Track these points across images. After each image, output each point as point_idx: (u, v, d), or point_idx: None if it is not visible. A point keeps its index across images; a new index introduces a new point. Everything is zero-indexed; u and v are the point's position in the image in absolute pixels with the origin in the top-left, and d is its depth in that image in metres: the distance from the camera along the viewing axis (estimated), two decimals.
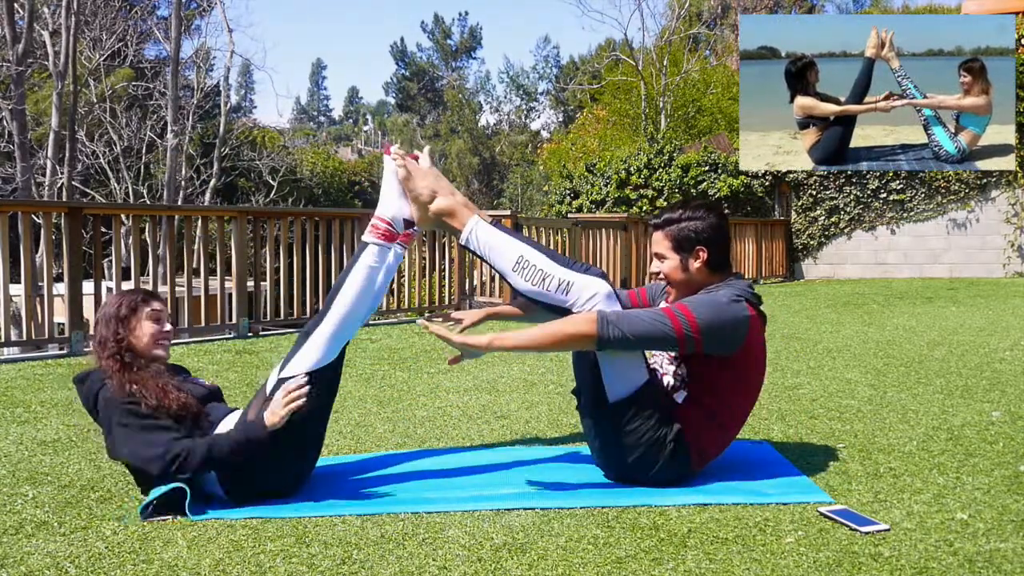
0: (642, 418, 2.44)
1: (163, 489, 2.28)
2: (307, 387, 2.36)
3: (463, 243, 2.60)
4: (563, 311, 2.46)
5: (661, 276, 2.60)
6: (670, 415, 2.47)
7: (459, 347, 2.41)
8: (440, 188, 2.62)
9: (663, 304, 2.72)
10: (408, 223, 2.61)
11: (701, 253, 2.54)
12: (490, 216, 2.68)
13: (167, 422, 2.31)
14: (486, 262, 2.60)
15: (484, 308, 2.98)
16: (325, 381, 2.47)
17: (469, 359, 2.48)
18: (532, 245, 2.56)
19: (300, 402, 2.33)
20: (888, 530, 2.12)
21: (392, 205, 2.60)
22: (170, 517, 2.25)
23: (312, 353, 2.43)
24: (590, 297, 2.44)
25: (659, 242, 2.59)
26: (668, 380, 2.59)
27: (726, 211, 13.20)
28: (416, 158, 2.72)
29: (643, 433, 2.44)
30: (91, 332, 2.46)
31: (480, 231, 2.57)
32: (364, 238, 2.57)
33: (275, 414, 2.32)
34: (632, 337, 2.36)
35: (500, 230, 2.58)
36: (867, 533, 2.10)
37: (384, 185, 2.64)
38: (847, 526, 2.14)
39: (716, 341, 2.40)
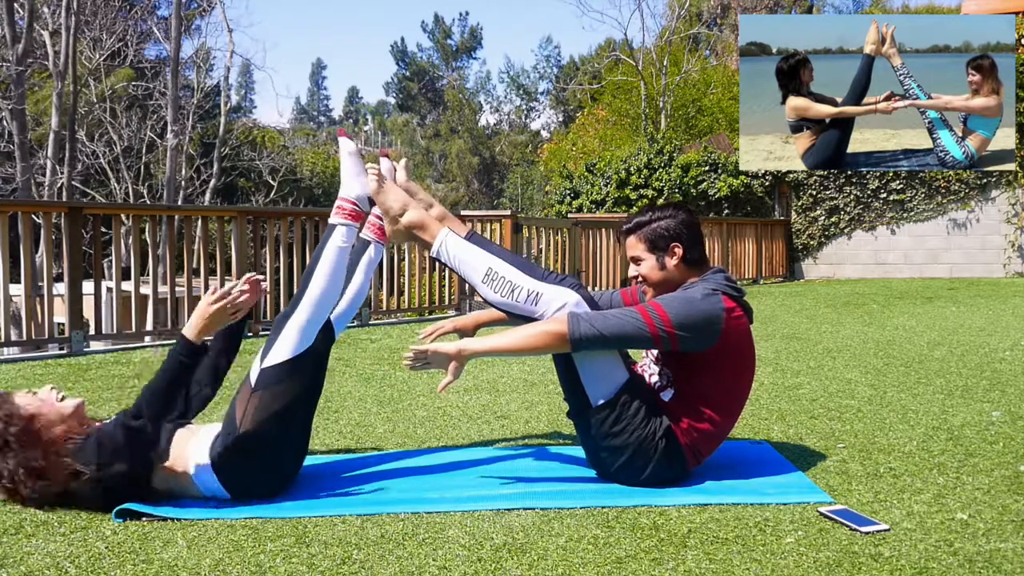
0: (627, 418, 2.44)
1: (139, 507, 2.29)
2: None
3: (434, 255, 2.62)
4: (534, 322, 2.49)
5: (640, 279, 2.62)
6: (657, 413, 2.47)
7: (431, 357, 2.43)
8: (410, 203, 2.64)
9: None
10: (372, 201, 2.66)
11: (676, 250, 2.56)
12: (466, 226, 2.69)
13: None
14: (457, 274, 2.62)
15: (474, 316, 2.96)
16: (309, 367, 2.47)
17: (457, 377, 2.47)
18: (504, 257, 2.58)
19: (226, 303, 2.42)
20: (888, 530, 2.12)
21: (355, 185, 2.64)
22: (149, 519, 2.25)
23: (290, 340, 2.43)
24: (559, 307, 2.46)
25: (633, 246, 2.61)
26: (654, 379, 2.60)
27: (726, 211, 13.22)
28: (387, 155, 2.80)
29: (631, 432, 2.44)
30: None
31: (450, 243, 2.58)
32: (331, 220, 2.60)
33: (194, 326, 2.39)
34: (605, 335, 2.38)
35: (471, 242, 2.60)
36: (867, 533, 2.10)
37: (343, 167, 2.68)
38: (847, 526, 2.14)
39: (692, 336, 2.41)
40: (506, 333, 2.45)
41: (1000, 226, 12.01)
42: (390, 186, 2.67)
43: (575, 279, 2.60)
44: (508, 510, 2.29)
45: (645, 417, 2.45)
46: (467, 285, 8.25)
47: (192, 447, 2.39)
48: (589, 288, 9.62)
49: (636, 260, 2.61)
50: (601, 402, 2.45)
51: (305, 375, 2.46)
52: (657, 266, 2.58)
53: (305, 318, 2.45)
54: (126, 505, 2.27)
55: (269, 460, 2.38)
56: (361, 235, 2.82)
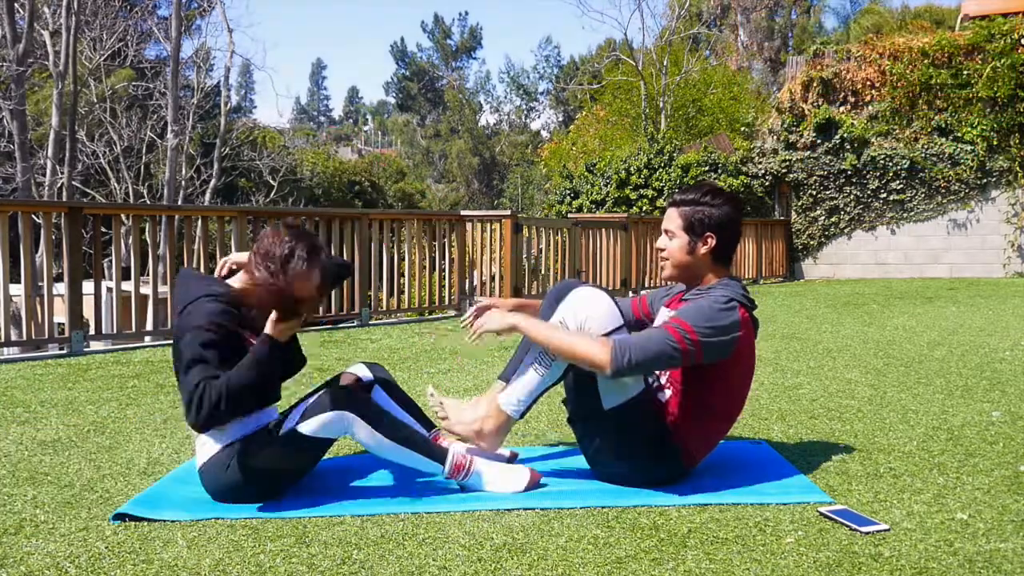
0: (637, 423, 2.44)
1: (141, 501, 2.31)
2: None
3: (518, 417, 2.57)
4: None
5: (665, 253, 2.61)
6: (661, 417, 2.48)
7: (489, 314, 2.52)
8: (477, 413, 2.57)
9: (660, 314, 2.71)
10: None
11: (710, 240, 2.55)
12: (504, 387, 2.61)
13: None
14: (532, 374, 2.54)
15: (514, 300, 3.00)
16: (316, 454, 2.47)
17: (495, 332, 2.51)
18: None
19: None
20: (888, 530, 2.12)
21: (508, 484, 2.47)
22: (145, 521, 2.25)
23: (324, 424, 2.37)
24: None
25: (672, 219, 2.60)
26: (652, 380, 2.60)
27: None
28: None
29: (637, 436, 2.45)
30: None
31: (514, 398, 2.54)
32: (446, 472, 2.43)
33: (277, 327, 2.32)
34: (643, 365, 2.36)
35: (516, 385, 2.55)
36: (867, 533, 2.10)
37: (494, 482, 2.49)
38: (847, 526, 2.14)
39: (714, 350, 2.41)
40: (556, 332, 2.43)
41: (1000, 226, 12.00)
42: (455, 410, 2.60)
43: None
44: (508, 510, 2.29)
45: (651, 421, 2.46)
46: (467, 285, 8.27)
47: (202, 442, 2.40)
48: None
49: (669, 233, 2.60)
50: (613, 407, 2.43)
51: (310, 457, 2.46)
52: (687, 248, 2.56)
53: (358, 430, 2.37)
54: (124, 509, 2.28)
55: (252, 494, 2.39)
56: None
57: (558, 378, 2.53)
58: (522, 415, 2.57)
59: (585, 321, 2.46)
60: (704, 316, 2.41)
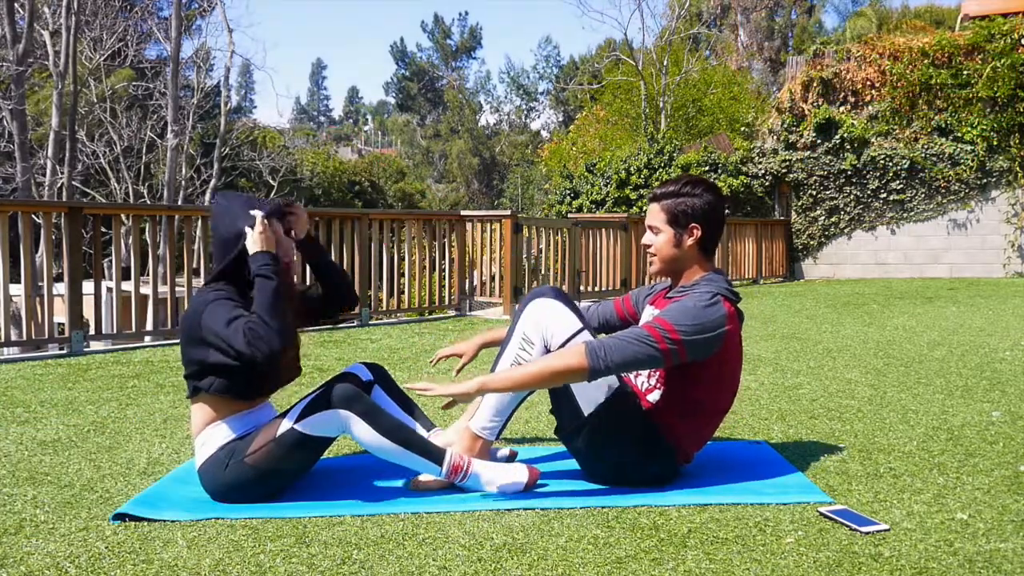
0: (619, 423, 2.44)
1: (141, 500, 2.31)
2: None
3: (494, 439, 2.57)
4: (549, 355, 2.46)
5: (652, 249, 2.59)
6: (646, 415, 2.48)
7: (456, 398, 2.40)
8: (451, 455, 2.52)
9: (645, 313, 2.71)
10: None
11: (695, 231, 2.53)
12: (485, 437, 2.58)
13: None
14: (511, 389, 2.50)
15: (476, 338, 2.98)
16: (318, 451, 2.46)
17: (464, 402, 2.47)
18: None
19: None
20: (888, 530, 2.12)
21: (509, 486, 2.45)
22: (145, 521, 2.25)
23: (327, 424, 2.38)
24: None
25: (655, 214, 2.58)
26: (643, 381, 2.59)
27: (726, 211, 13.33)
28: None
29: (622, 436, 2.44)
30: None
31: (484, 430, 2.55)
32: (444, 473, 2.41)
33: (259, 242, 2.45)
34: (622, 364, 2.34)
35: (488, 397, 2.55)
36: (867, 533, 2.10)
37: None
38: (847, 526, 2.14)
39: (699, 349, 2.40)
40: (524, 368, 2.39)
41: (1000, 226, 12.00)
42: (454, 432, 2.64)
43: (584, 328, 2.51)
44: (508, 510, 2.30)
45: (634, 420, 2.45)
46: (467, 285, 8.27)
47: (209, 428, 2.41)
48: (588, 288, 9.57)
49: (654, 229, 2.58)
50: (592, 409, 2.43)
51: (309, 456, 2.46)
52: (673, 242, 2.55)
53: (357, 429, 2.36)
54: (124, 509, 2.28)
55: (252, 494, 2.39)
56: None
57: (528, 391, 2.52)
58: (498, 435, 2.57)
59: (546, 330, 2.48)
60: (688, 315, 2.39)
